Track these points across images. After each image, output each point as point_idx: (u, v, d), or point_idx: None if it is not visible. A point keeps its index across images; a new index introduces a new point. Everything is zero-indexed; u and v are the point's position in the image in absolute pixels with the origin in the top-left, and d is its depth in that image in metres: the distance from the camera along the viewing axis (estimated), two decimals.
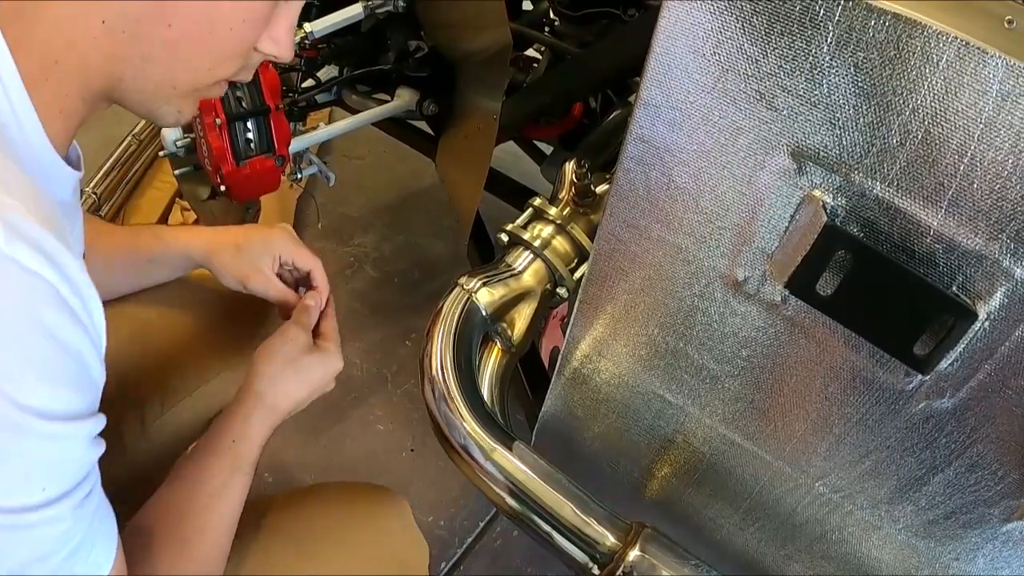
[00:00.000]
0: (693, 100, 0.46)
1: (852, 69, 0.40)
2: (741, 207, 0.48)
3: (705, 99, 0.45)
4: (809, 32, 0.40)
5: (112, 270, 0.68)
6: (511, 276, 0.71)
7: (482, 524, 1.15)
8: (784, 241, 0.47)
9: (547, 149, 1.25)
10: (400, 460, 1.23)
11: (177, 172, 0.99)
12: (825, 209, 0.44)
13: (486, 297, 0.69)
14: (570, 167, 0.73)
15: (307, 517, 0.62)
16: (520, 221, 0.75)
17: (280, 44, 0.47)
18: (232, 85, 0.91)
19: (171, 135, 0.95)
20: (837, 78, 0.41)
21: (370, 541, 0.64)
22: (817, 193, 0.44)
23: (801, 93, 0.42)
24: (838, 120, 0.42)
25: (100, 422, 0.41)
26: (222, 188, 0.92)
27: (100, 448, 0.41)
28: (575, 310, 0.61)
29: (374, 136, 1.43)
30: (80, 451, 0.39)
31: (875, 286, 0.44)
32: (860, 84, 0.40)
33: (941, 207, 0.41)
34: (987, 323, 0.43)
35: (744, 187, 0.47)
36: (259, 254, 0.67)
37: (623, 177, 0.51)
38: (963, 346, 0.44)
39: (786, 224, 0.46)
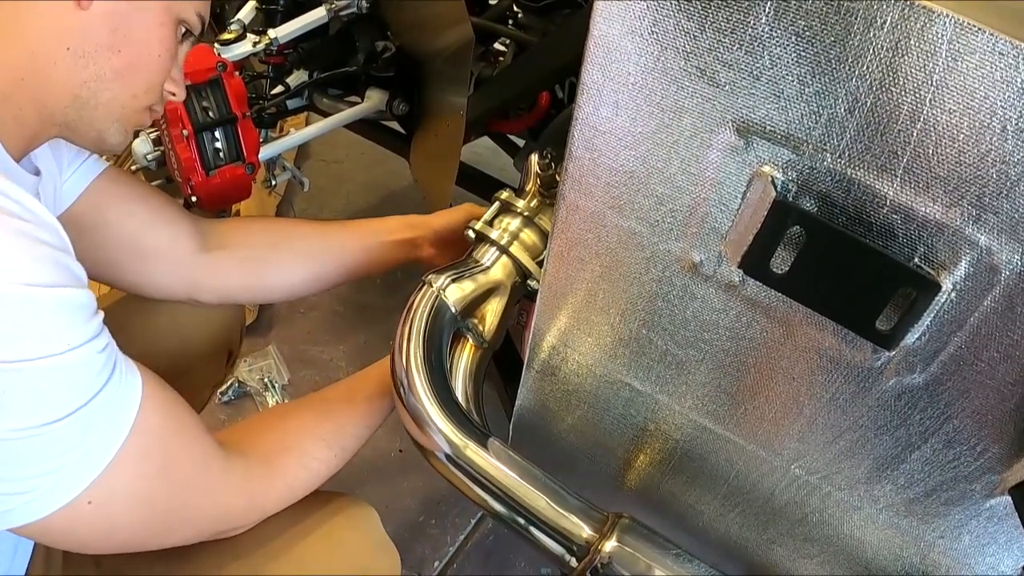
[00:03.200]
0: (634, 81, 0.44)
1: (794, 38, 0.39)
2: (691, 188, 0.46)
3: (646, 79, 0.44)
4: (746, 3, 0.39)
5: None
6: (480, 271, 0.70)
7: (474, 521, 1.14)
8: (736, 220, 0.45)
9: (522, 143, 1.25)
10: (390, 461, 1.23)
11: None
12: (774, 184, 0.42)
13: (455, 294, 0.68)
14: (534, 158, 0.72)
15: (262, 528, 0.60)
16: (487, 216, 0.74)
17: (177, 83, 0.61)
18: (198, 96, 0.92)
19: (142, 149, 0.95)
20: (779, 49, 0.40)
21: (327, 551, 0.63)
22: (766, 168, 0.43)
23: (742, 66, 0.41)
24: (783, 92, 0.41)
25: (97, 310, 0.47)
26: (193, 199, 0.92)
27: (100, 317, 0.48)
28: (539, 301, 0.60)
29: (352, 140, 1.43)
30: (87, 302, 0.46)
31: (831, 261, 0.43)
32: (803, 53, 0.39)
33: (896, 176, 0.40)
34: (953, 294, 0.42)
35: (693, 167, 0.45)
36: None
37: (572, 165, 0.50)
38: (930, 319, 0.43)
39: (738, 203, 0.45)
